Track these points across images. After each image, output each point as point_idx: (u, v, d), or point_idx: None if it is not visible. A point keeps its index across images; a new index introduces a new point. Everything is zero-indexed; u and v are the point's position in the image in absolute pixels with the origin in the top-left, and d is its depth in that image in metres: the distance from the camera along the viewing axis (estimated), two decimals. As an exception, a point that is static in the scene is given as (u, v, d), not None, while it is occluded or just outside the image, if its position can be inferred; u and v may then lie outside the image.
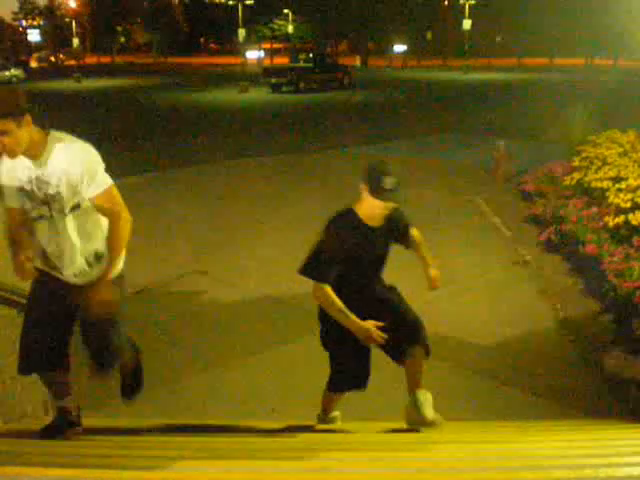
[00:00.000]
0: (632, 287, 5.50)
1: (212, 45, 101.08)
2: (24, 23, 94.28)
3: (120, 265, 3.20)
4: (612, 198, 7.52)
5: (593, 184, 8.39)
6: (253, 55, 57.83)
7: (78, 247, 3.09)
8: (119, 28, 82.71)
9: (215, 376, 5.11)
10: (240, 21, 48.96)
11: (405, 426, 3.59)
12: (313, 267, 3.33)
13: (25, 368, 3.24)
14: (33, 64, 63.36)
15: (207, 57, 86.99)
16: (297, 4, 67.77)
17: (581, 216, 7.57)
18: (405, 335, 3.47)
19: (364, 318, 3.32)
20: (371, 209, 3.34)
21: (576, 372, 5.05)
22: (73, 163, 2.95)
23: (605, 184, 8.09)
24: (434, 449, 3.23)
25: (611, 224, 6.99)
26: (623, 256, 6.16)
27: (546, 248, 7.81)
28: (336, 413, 3.92)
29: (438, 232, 7.73)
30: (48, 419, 3.61)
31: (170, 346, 5.60)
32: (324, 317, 3.49)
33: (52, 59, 69.67)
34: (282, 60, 58.09)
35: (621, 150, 9.53)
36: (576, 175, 9.15)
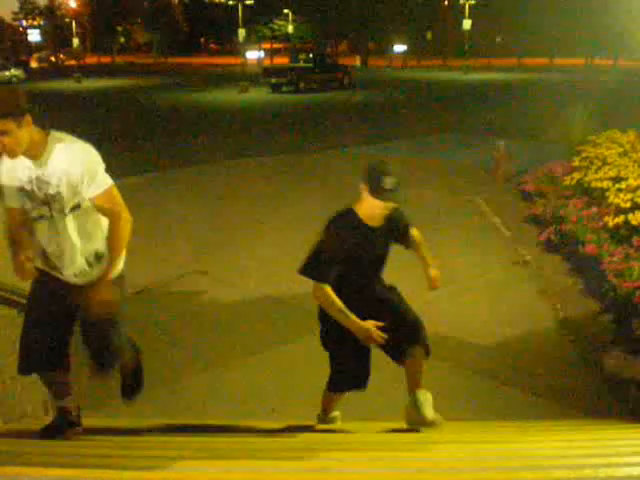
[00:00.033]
0: (632, 287, 5.50)
1: (212, 45, 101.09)
2: (24, 23, 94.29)
3: (120, 265, 3.20)
4: (612, 198, 7.52)
5: (593, 184, 8.39)
6: (253, 55, 57.84)
7: (78, 247, 3.09)
8: (119, 28, 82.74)
9: (215, 376, 5.11)
10: (240, 21, 48.97)
11: (405, 426, 3.59)
12: (313, 267, 3.33)
13: (25, 368, 3.25)
14: (33, 64, 63.37)
15: (207, 57, 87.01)
16: (297, 4, 67.78)
17: (581, 216, 7.57)
18: (405, 335, 3.47)
19: (364, 318, 3.32)
20: (371, 209, 3.34)
21: (576, 372, 5.06)
22: (73, 163, 2.95)
23: (605, 184, 8.09)
24: (434, 449, 3.23)
25: (611, 224, 6.99)
26: (623, 256, 6.16)
27: (546, 248, 7.81)
28: (336, 413, 3.92)
29: (438, 232, 7.73)
30: (48, 419, 3.61)
31: (170, 346, 5.60)
32: (324, 317, 3.49)
33: (52, 59, 69.69)
34: (282, 60, 58.09)
35: (621, 150, 9.53)
36: (576, 175, 9.15)
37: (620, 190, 7.62)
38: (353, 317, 3.30)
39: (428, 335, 3.56)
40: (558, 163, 10.48)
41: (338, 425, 3.91)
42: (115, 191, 3.09)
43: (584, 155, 9.87)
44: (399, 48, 65.15)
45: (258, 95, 31.54)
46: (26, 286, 3.31)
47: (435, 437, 3.51)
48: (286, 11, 70.99)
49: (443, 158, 14.12)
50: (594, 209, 7.68)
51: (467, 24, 56.13)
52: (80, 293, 3.11)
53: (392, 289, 3.62)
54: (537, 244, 7.97)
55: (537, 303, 6.37)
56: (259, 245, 8.24)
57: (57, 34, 79.19)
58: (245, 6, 53.05)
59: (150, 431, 3.82)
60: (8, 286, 3.71)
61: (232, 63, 61.77)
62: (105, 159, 3.09)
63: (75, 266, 3.12)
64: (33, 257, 3.10)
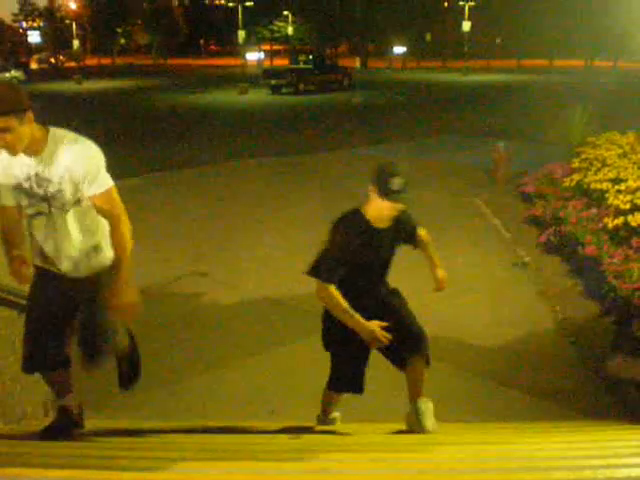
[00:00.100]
0: (631, 288, 5.50)
1: (212, 47, 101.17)
2: (24, 25, 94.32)
3: (112, 254, 3.17)
4: (611, 199, 7.53)
5: (593, 185, 8.40)
6: (253, 57, 57.79)
7: (78, 242, 3.08)
8: (119, 30, 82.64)
9: (215, 377, 5.11)
10: (240, 23, 48.94)
11: (405, 428, 3.60)
12: (319, 268, 3.33)
13: (29, 367, 3.24)
14: (33, 66, 63.37)
15: (207, 59, 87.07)
16: (297, 6, 67.81)
17: (581, 217, 7.58)
18: (407, 345, 3.47)
19: (368, 319, 3.31)
20: (379, 211, 3.32)
21: (575, 373, 5.06)
22: (77, 161, 2.95)
23: (604, 185, 8.10)
24: (435, 450, 3.23)
25: (610, 225, 7.00)
26: (622, 257, 6.16)
27: (546, 249, 7.81)
28: (336, 414, 3.92)
29: (437, 233, 7.67)
30: (48, 420, 3.61)
31: (170, 347, 5.60)
32: (328, 318, 3.48)
33: (52, 61, 69.72)
34: (282, 62, 58.13)
35: (620, 152, 9.55)
36: (576, 176, 9.16)
37: (620, 192, 7.63)
38: (358, 317, 3.29)
39: (429, 342, 3.56)
40: (558, 164, 10.50)
41: (338, 426, 3.91)
42: (115, 193, 3.08)
43: (584, 157, 9.88)
44: (399, 50, 65.15)
45: (258, 96, 31.56)
46: (26, 287, 3.31)
47: (435, 438, 3.51)
48: (286, 13, 70.99)
49: (442, 160, 14.13)
50: (594, 210, 7.69)
51: (466, 26, 56.13)
52: (79, 286, 3.11)
53: (396, 294, 3.61)
54: (537, 245, 7.98)
55: (537, 304, 6.37)
56: (259, 246, 8.25)
57: (57, 36, 79.12)
58: (245, 8, 53.01)
59: (150, 432, 3.82)
60: (8, 287, 3.71)
61: (232, 64, 61.82)
62: (105, 160, 3.09)
63: (73, 260, 3.11)
64: (29, 260, 3.10)
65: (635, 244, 6.39)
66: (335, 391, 3.73)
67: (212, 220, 9.56)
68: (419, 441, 3.47)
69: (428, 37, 71.37)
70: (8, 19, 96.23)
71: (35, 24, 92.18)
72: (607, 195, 7.76)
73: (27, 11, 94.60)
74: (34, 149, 2.93)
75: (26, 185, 3.00)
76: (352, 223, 3.36)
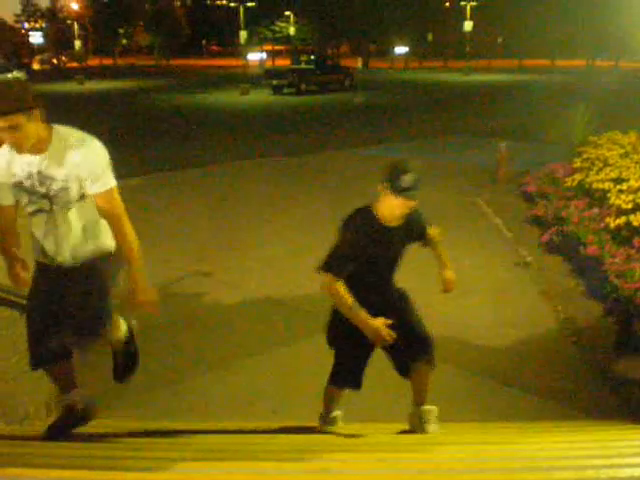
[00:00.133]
0: (633, 288, 5.50)
1: (214, 47, 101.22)
2: (26, 25, 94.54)
3: (112, 243, 3.17)
4: (613, 199, 7.52)
5: (594, 185, 8.39)
6: (255, 57, 57.91)
7: (78, 235, 3.09)
8: (121, 30, 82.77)
9: (217, 378, 5.11)
10: (242, 23, 48.97)
11: (406, 428, 3.60)
12: (329, 263, 3.31)
13: (35, 362, 3.23)
14: (35, 66, 63.52)
15: (209, 59, 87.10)
16: (299, 6, 67.83)
17: (582, 217, 7.57)
18: (414, 350, 3.46)
19: (374, 316, 3.30)
20: (390, 209, 3.30)
21: (578, 373, 5.05)
22: (85, 159, 2.95)
23: (606, 185, 8.09)
24: (435, 450, 3.23)
25: (612, 225, 6.99)
26: (624, 257, 6.16)
27: (547, 249, 7.80)
28: (338, 413, 3.91)
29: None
30: (50, 420, 3.61)
31: (173, 347, 5.60)
32: (335, 313, 3.48)
33: (54, 61, 69.84)
34: (284, 62, 58.11)
35: (622, 151, 9.54)
36: (577, 176, 9.15)
37: (621, 191, 7.62)
38: (363, 314, 3.27)
39: (435, 346, 3.54)
40: (559, 164, 10.49)
41: (339, 426, 3.91)
42: (116, 193, 3.08)
43: (585, 156, 9.88)
44: (400, 50, 65.19)
45: (259, 97, 31.56)
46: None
47: (436, 438, 3.52)
48: (287, 13, 71.02)
49: (444, 160, 14.12)
50: (595, 210, 7.68)
51: (468, 25, 56.09)
52: (76, 275, 3.11)
53: (404, 297, 3.58)
54: (539, 245, 7.97)
55: (539, 304, 6.37)
56: (262, 246, 8.24)
57: (59, 36, 79.21)
58: (246, 8, 53.04)
59: (152, 433, 3.83)
60: (9, 287, 3.71)
61: (234, 65, 61.85)
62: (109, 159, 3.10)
63: (71, 251, 3.11)
64: (28, 265, 3.11)
65: (637, 244, 6.38)
66: (335, 385, 3.72)
67: (215, 220, 9.56)
68: (419, 441, 3.47)
69: (430, 37, 71.36)
70: (10, 20, 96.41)
71: (37, 25, 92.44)
72: (609, 195, 7.75)
73: (29, 12, 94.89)
74: (38, 147, 2.94)
75: (27, 183, 3.00)
76: (363, 221, 3.35)
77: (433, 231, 3.72)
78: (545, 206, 8.84)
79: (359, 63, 59.46)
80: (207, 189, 11.66)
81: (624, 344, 5.17)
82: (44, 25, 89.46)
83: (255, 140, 17.73)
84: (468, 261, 7.46)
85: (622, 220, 6.93)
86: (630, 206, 7.18)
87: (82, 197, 3.04)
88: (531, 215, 9.07)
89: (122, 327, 3.60)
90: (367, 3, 62.77)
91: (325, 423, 3.87)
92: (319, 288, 3.41)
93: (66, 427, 3.35)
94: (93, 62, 77.43)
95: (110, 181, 3.05)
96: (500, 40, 68.95)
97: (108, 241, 3.17)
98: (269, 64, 57.12)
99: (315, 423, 3.90)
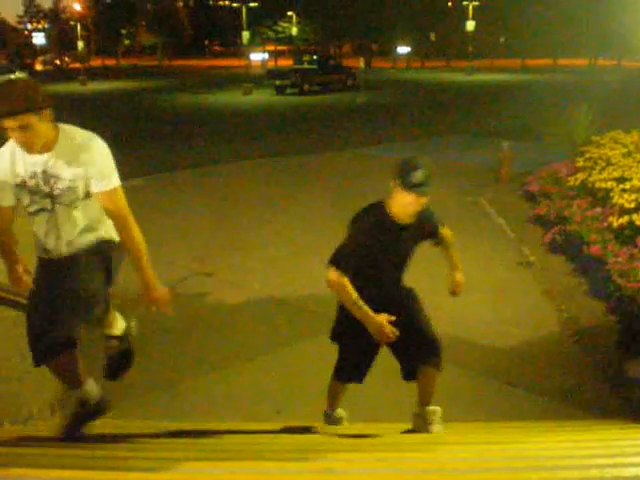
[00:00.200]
0: (637, 287, 5.49)
1: (216, 47, 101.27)
2: (29, 26, 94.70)
3: (115, 235, 3.16)
4: (616, 199, 7.50)
5: (597, 184, 8.37)
6: (257, 57, 57.91)
7: (80, 233, 3.09)
8: (124, 31, 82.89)
9: (220, 378, 5.11)
10: (244, 23, 49.01)
11: (410, 427, 3.60)
12: (336, 257, 3.30)
13: (39, 359, 3.15)
14: (38, 67, 63.68)
15: (211, 59, 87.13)
16: (301, 6, 67.83)
17: (585, 216, 7.56)
18: (422, 352, 3.43)
19: (377, 312, 3.27)
20: (402, 206, 3.29)
21: (581, 372, 5.04)
22: (93, 158, 2.96)
23: (609, 184, 8.07)
24: (439, 450, 3.23)
25: (615, 224, 6.98)
26: (627, 256, 6.14)
27: (550, 249, 7.80)
28: (342, 414, 3.91)
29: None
30: (54, 420, 3.61)
31: (175, 347, 5.61)
32: (341, 309, 3.47)
33: (57, 62, 69.99)
34: (286, 62, 58.14)
35: (625, 151, 9.51)
36: (580, 175, 9.14)
37: (624, 190, 7.60)
38: (367, 310, 3.25)
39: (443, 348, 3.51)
40: (562, 164, 10.47)
41: (344, 426, 3.91)
42: (121, 193, 3.08)
43: (588, 156, 9.85)
44: (403, 50, 65.16)
45: (262, 97, 31.58)
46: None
47: (440, 438, 3.51)
48: (290, 13, 71.03)
49: (447, 159, 14.09)
50: (598, 209, 7.66)
51: (471, 25, 56.09)
52: (73, 263, 3.09)
53: (414, 297, 3.55)
54: (541, 245, 7.96)
55: (541, 304, 6.36)
56: (265, 246, 8.25)
57: (62, 37, 79.35)
58: (249, 8, 53.06)
59: (155, 433, 3.83)
60: (11, 287, 3.71)
61: (236, 65, 61.88)
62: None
63: (71, 243, 3.11)
64: (29, 268, 3.11)
65: (640, 243, 6.37)
66: (339, 381, 3.72)
67: (217, 220, 9.57)
68: (423, 441, 3.46)
69: (432, 37, 71.32)
70: (13, 21, 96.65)
71: (40, 26, 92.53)
72: (612, 194, 7.73)
73: (32, 13, 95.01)
74: (45, 146, 2.94)
75: (30, 183, 3.01)
76: (375, 218, 3.33)
77: (446, 231, 3.70)
78: (548, 205, 8.83)
79: (361, 63, 59.41)
80: (209, 189, 11.66)
81: (627, 343, 5.15)
82: (47, 26, 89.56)
83: (257, 140, 17.73)
84: (471, 260, 7.43)
85: (625, 219, 6.92)
86: (633, 205, 7.17)
87: (87, 195, 3.05)
88: (534, 214, 9.06)
89: (119, 323, 3.60)
90: (369, 3, 62.74)
91: (329, 423, 3.87)
92: (323, 285, 3.40)
93: (81, 422, 3.29)
94: (96, 63, 77.53)
95: (115, 180, 3.06)
96: (502, 40, 68.84)
97: (112, 233, 3.18)
98: (271, 64, 57.14)
99: (319, 423, 3.90)
